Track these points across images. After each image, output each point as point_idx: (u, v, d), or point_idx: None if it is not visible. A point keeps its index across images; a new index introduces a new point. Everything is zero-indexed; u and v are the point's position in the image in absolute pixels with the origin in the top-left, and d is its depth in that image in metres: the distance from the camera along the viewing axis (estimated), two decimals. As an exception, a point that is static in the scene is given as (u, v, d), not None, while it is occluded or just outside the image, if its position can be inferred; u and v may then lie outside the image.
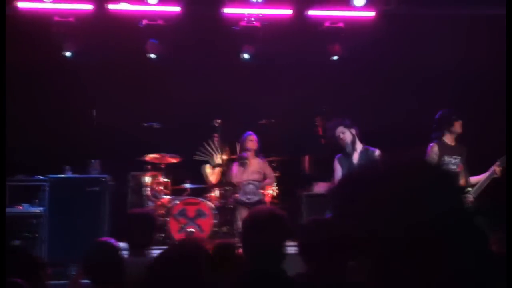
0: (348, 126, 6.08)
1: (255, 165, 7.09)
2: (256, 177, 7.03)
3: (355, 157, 6.07)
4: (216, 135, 6.98)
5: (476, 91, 8.28)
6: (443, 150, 6.03)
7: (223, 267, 3.17)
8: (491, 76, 8.12)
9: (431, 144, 6.08)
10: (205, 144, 7.76)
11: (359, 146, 6.09)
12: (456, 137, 6.17)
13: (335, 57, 8.31)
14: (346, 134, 6.05)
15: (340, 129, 6.08)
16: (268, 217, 3.12)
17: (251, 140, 7.04)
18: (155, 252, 6.69)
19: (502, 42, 7.54)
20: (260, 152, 7.21)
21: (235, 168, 7.09)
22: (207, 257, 2.16)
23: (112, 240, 3.26)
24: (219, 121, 6.99)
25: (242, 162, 7.05)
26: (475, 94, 8.23)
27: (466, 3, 8.18)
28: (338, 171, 6.20)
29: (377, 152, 6.10)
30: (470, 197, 5.94)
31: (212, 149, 7.57)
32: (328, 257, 3.01)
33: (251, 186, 6.95)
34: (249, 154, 7.15)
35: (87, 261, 3.17)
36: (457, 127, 6.08)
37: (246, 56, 8.21)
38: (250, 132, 7.20)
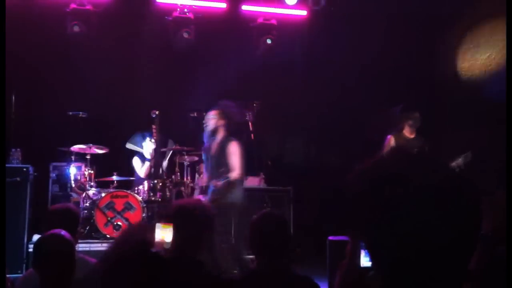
0: (222, 116, 5.84)
1: None
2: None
3: (214, 147, 5.91)
4: (154, 126, 6.78)
5: (398, 85, 8.59)
6: (399, 143, 6.17)
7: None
8: (418, 70, 8.46)
9: (388, 136, 6.22)
10: (140, 135, 7.58)
11: (220, 136, 5.90)
12: (414, 130, 6.34)
13: (269, 41, 8.19)
14: (211, 122, 5.88)
15: (211, 115, 5.89)
16: (198, 208, 3.12)
17: None
18: (81, 246, 6.53)
19: (426, 39, 7.97)
20: None
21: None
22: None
23: (63, 232, 3.08)
24: (156, 112, 6.79)
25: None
26: (401, 89, 8.54)
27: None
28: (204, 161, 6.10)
29: (232, 142, 5.84)
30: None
31: (150, 140, 7.39)
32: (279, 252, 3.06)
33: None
34: None
35: (37, 254, 2.98)
36: (410, 123, 6.23)
37: (177, 45, 8.02)
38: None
